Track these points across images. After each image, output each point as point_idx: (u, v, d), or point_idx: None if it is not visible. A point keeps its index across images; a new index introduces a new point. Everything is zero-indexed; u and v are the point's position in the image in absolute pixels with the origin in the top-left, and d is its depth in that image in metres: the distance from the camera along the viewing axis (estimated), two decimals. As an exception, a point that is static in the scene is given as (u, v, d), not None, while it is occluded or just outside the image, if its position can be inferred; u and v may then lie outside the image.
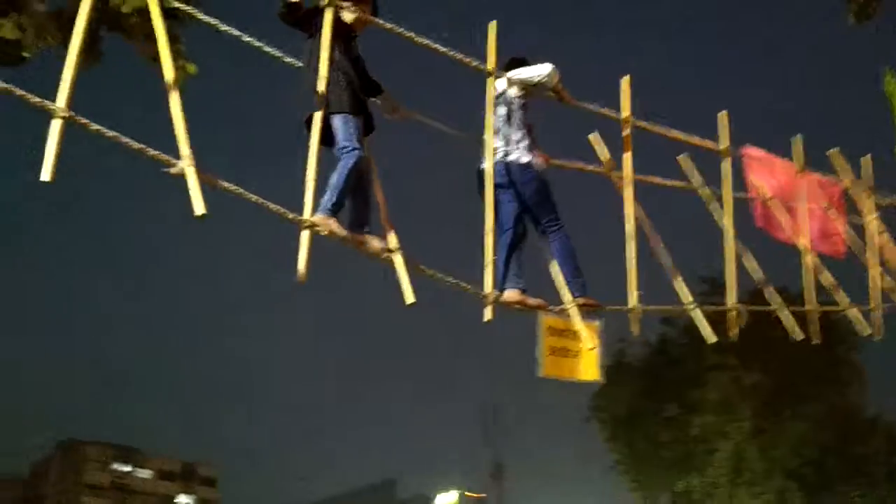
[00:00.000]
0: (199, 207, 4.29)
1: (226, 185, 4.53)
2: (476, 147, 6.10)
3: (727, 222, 7.16)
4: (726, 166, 7.26)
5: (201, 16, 5.90)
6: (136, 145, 4.25)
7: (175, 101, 4.63)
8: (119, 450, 70.21)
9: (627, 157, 6.62)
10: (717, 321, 7.07)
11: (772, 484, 23.88)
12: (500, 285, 5.78)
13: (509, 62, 6.26)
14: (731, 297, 7.09)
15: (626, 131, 6.62)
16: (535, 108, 6.30)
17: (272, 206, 4.70)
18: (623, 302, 6.31)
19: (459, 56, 5.87)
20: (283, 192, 5.15)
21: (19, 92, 3.98)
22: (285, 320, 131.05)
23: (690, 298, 6.64)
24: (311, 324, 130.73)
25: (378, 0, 5.91)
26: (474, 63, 5.96)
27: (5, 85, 4.03)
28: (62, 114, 4.03)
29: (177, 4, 6.27)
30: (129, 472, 70.34)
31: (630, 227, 6.45)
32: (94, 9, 7.59)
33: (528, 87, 6.19)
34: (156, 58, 7.83)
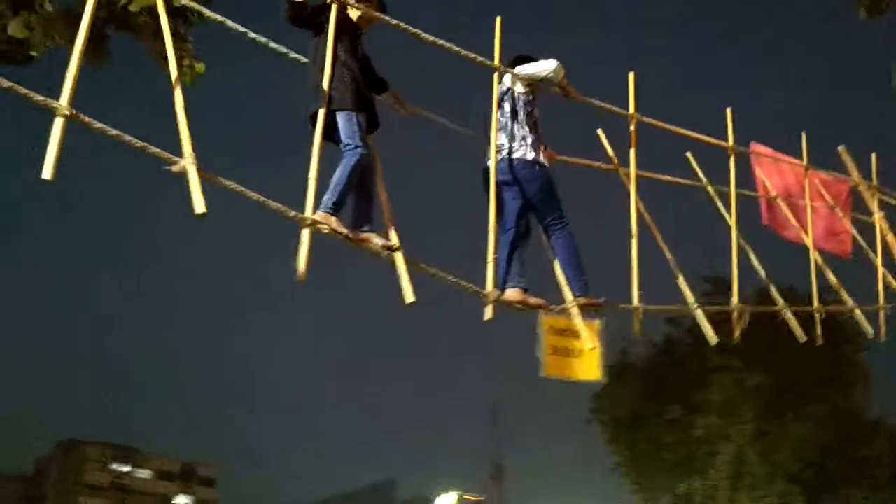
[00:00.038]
0: (199, 206, 4.27)
1: (226, 183, 4.50)
2: (481, 143, 6.08)
3: (732, 220, 7.14)
4: (732, 163, 7.24)
5: (208, 13, 5.90)
6: (138, 143, 4.23)
7: (178, 99, 4.63)
8: (118, 450, 70.24)
9: (632, 154, 6.62)
10: (721, 322, 7.05)
11: (774, 487, 23.78)
12: (501, 284, 5.75)
13: (514, 59, 6.25)
14: (735, 298, 7.06)
15: (632, 127, 6.63)
16: (540, 105, 6.30)
17: (273, 203, 4.68)
18: (626, 301, 6.30)
19: (464, 52, 5.87)
20: (286, 189, 5.16)
21: (23, 90, 3.99)
22: (286, 319, 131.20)
23: (693, 299, 6.62)
24: (312, 322, 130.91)
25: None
26: (479, 59, 5.96)
27: (9, 83, 4.04)
28: (65, 112, 4.01)
29: (186, 2, 6.29)
30: (128, 473, 70.37)
31: (633, 224, 6.44)
32: (102, 8, 7.71)
33: (533, 84, 6.18)
34: (164, 56, 7.90)
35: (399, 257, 5.24)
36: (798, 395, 24.41)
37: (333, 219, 5.12)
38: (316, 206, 5.02)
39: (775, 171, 8.17)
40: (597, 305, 5.98)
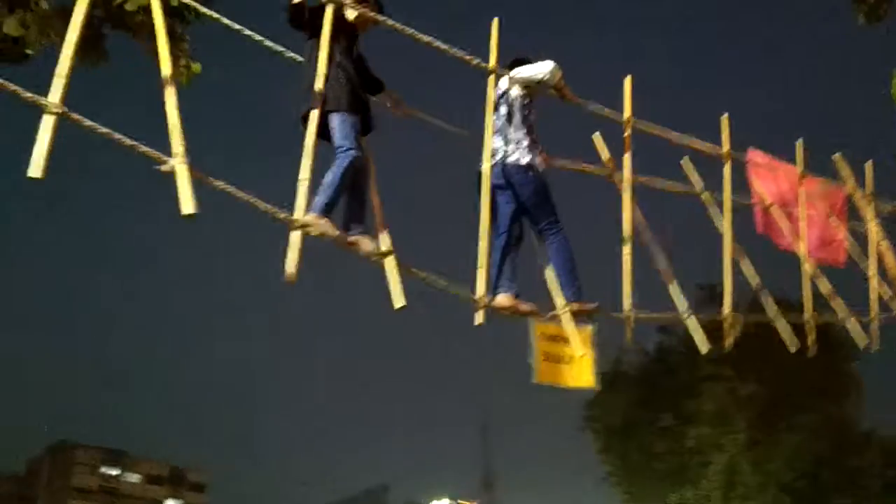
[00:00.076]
0: (187, 206, 4.22)
1: (216, 182, 4.47)
2: (477, 146, 6.03)
3: (726, 227, 7.11)
4: (727, 170, 7.22)
5: (206, 11, 5.88)
6: (128, 142, 4.20)
7: (171, 98, 4.59)
8: (108, 453, 69.99)
9: (627, 159, 6.59)
10: (714, 330, 7.02)
11: (766, 497, 23.73)
12: (492, 289, 5.72)
13: (511, 62, 6.22)
14: (727, 306, 7.03)
15: (627, 132, 6.60)
16: (537, 108, 6.27)
17: (262, 204, 4.64)
18: (618, 308, 6.27)
19: (460, 54, 5.84)
20: (286, 190, 5.13)
21: (12, 86, 3.95)
22: (282, 321, 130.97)
23: (685, 306, 6.59)
24: (308, 324, 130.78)
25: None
26: (475, 61, 5.93)
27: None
28: (55, 109, 3.98)
29: (195, 5, 6.26)
30: (116, 476, 70.12)
31: (626, 230, 6.40)
32: (99, 6, 7.69)
33: (530, 86, 6.14)
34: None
35: (390, 262, 5.20)
36: (790, 404, 24.38)
37: (324, 220, 5.08)
38: (307, 208, 4.99)
39: (771, 179, 8.15)
40: (589, 311, 5.94)
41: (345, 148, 5.32)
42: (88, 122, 4.12)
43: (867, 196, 8.31)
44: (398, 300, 5.07)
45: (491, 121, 5.96)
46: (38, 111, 4.07)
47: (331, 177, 5.24)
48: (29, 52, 7.60)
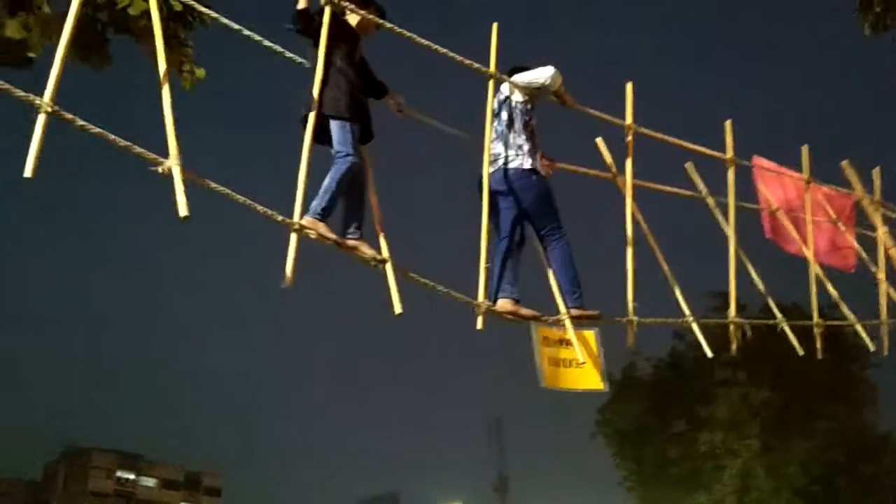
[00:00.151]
0: (182, 209, 4.18)
1: (213, 185, 4.44)
2: (478, 150, 5.99)
3: (730, 231, 7.06)
4: (731, 175, 7.16)
5: (209, 12, 5.87)
6: (122, 143, 4.17)
7: (166, 100, 4.57)
8: (124, 457, 69.98)
9: (629, 164, 6.55)
10: (726, 336, 6.98)
11: (779, 502, 23.61)
12: (493, 294, 5.69)
13: (511, 69, 6.20)
14: (732, 311, 6.97)
15: (629, 137, 6.56)
16: (539, 113, 6.24)
17: (259, 207, 4.61)
18: (624, 313, 6.22)
19: (459, 58, 5.80)
20: (286, 193, 5.11)
21: (4, 85, 3.94)
22: (282, 325, 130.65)
23: (689, 311, 6.53)
24: (309, 328, 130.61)
25: (382, 4, 5.89)
26: (475, 66, 5.90)
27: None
28: (47, 108, 3.96)
29: (191, 2, 6.26)
30: (132, 480, 70.19)
31: (629, 235, 6.36)
32: (103, 11, 7.69)
33: (531, 92, 6.12)
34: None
35: (388, 268, 5.18)
36: (805, 410, 24.27)
37: (321, 224, 5.07)
38: (304, 211, 4.97)
39: (777, 184, 8.10)
40: (591, 317, 5.90)
41: (343, 153, 5.31)
42: (81, 122, 4.10)
43: (876, 202, 8.23)
44: (397, 307, 5.05)
45: (491, 126, 5.94)
46: (33, 114, 4.05)
47: (328, 182, 5.23)
48: (31, 55, 7.62)
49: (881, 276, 8.08)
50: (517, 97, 6.12)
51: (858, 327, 7.88)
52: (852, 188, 8.33)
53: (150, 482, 71.31)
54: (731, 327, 6.91)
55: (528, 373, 5.73)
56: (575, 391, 5.90)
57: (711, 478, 24.34)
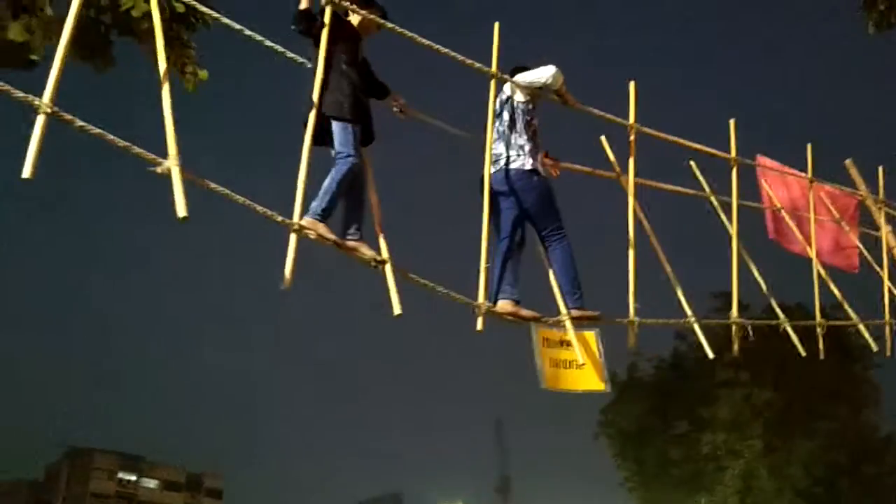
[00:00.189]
0: (181, 209, 4.16)
1: (212, 185, 4.43)
2: (480, 150, 5.97)
3: (733, 231, 7.04)
4: (734, 175, 7.14)
5: (212, 13, 5.86)
6: (121, 143, 4.16)
7: (166, 99, 4.55)
8: (126, 458, 69.93)
9: (632, 163, 6.53)
10: (728, 336, 6.96)
11: (782, 503, 23.58)
12: (493, 295, 5.67)
13: (513, 70, 6.18)
14: (734, 311, 6.94)
15: (632, 137, 6.54)
16: (541, 113, 6.22)
17: (259, 208, 4.59)
18: (626, 313, 6.20)
19: (461, 58, 5.79)
20: (282, 194, 5.10)
21: (3, 86, 3.94)
22: (282, 326, 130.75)
23: (691, 312, 6.51)
24: (308, 328, 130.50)
25: (384, 4, 5.88)
26: (476, 66, 5.88)
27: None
28: (46, 109, 3.95)
29: (194, 3, 6.25)
30: (134, 482, 70.13)
31: (631, 235, 6.34)
32: (106, 13, 7.67)
33: (533, 92, 6.10)
34: (166, 61, 7.86)
35: (388, 270, 5.16)
36: (807, 410, 24.23)
37: (321, 225, 5.05)
38: (304, 212, 4.96)
39: (781, 184, 8.08)
40: (591, 318, 5.88)
41: (344, 154, 5.30)
42: (80, 123, 4.09)
43: (880, 201, 8.21)
44: (396, 308, 5.03)
45: (492, 126, 5.92)
46: (33, 114, 4.05)
47: (329, 182, 5.21)
48: (34, 57, 7.61)
49: (885, 275, 8.05)
50: (519, 97, 6.11)
51: (861, 327, 7.86)
52: (856, 187, 8.30)
53: (151, 483, 71.26)
54: (734, 328, 6.88)
55: (529, 373, 5.71)
56: (576, 392, 5.88)
57: (713, 479, 24.31)
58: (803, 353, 7.15)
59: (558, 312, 5.83)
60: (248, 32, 5.45)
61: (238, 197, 4.51)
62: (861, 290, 8.69)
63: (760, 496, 23.73)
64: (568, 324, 5.72)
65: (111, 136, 4.15)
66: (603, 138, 6.96)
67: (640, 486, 26.65)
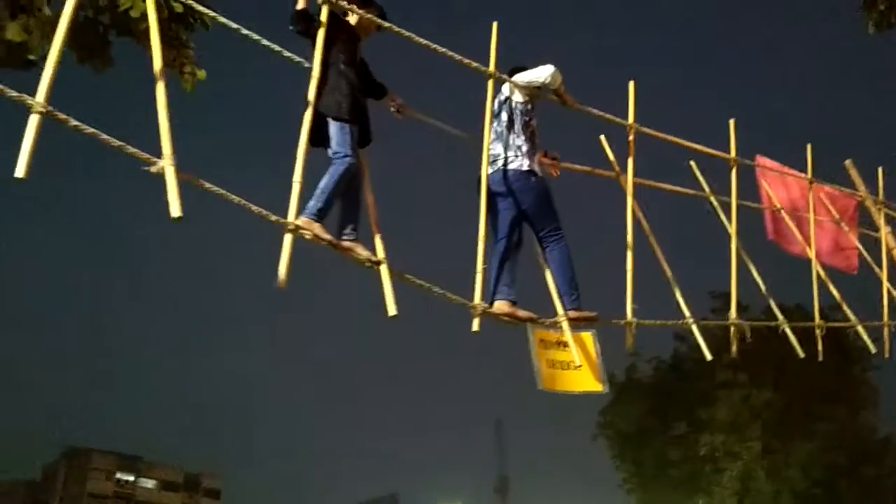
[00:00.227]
0: (175, 209, 4.14)
1: (207, 185, 4.41)
2: (479, 150, 5.94)
3: (733, 231, 7.02)
4: (734, 175, 7.13)
5: (210, 13, 5.84)
6: (115, 142, 4.13)
7: (161, 98, 4.53)
8: (123, 459, 69.84)
9: (631, 163, 6.51)
10: (727, 338, 6.94)
11: (780, 505, 23.59)
12: (490, 295, 5.64)
13: (511, 70, 6.16)
14: (733, 312, 6.92)
15: (631, 137, 6.53)
16: (540, 114, 6.20)
17: (254, 207, 4.56)
18: (624, 314, 6.17)
19: (458, 57, 5.76)
20: (281, 194, 5.08)
21: (-2, 85, 3.93)
22: (281, 326, 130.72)
23: (689, 313, 6.49)
24: (307, 328, 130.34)
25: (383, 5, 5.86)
26: (474, 65, 5.85)
27: (-17, 79, 3.97)
28: (40, 109, 3.93)
29: (192, 3, 6.23)
30: (132, 482, 70.05)
31: (630, 235, 6.32)
32: (105, 13, 7.65)
33: (532, 92, 6.08)
34: (167, 63, 7.84)
35: (384, 270, 5.14)
36: (806, 412, 24.21)
37: (317, 225, 5.02)
38: (300, 211, 4.93)
39: (781, 184, 8.06)
40: (588, 319, 5.86)
41: (342, 154, 5.28)
42: (74, 122, 4.07)
43: (879, 202, 8.19)
44: (391, 308, 5.00)
45: (490, 126, 5.89)
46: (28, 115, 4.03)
47: (325, 182, 5.19)
48: (32, 57, 7.59)
49: (884, 276, 8.03)
50: (517, 98, 6.08)
51: (860, 329, 7.84)
52: (856, 188, 8.29)
53: (149, 484, 71.20)
54: (732, 329, 6.86)
55: (528, 373, 5.70)
56: (573, 393, 5.86)
57: (711, 480, 24.30)
58: (802, 355, 7.13)
59: (556, 313, 5.81)
60: (245, 32, 5.42)
61: (233, 197, 4.49)
62: (860, 292, 8.69)
63: (759, 498, 23.71)
64: (565, 325, 5.70)
65: (105, 136, 4.13)
66: (602, 138, 6.95)
67: (638, 487, 26.64)
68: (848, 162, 8.36)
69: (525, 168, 5.89)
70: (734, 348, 6.90)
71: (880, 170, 8.44)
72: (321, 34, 5.31)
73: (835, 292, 7.78)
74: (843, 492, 23.97)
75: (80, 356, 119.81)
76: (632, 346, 6.21)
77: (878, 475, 24.43)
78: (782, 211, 7.92)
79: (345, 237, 5.29)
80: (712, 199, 7.43)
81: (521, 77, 6.07)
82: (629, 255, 6.25)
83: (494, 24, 5.92)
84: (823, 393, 23.90)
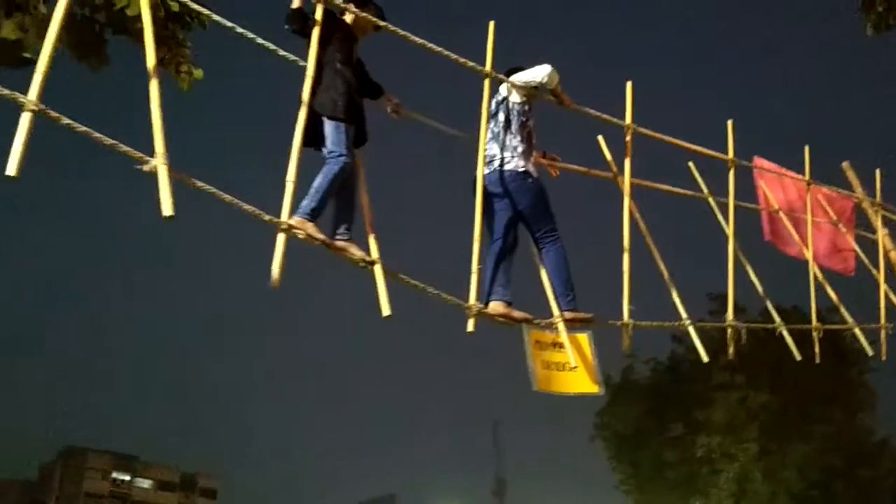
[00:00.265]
0: (167, 208, 4.11)
1: (199, 184, 4.38)
2: (475, 150, 5.90)
3: (730, 232, 7.00)
4: (731, 176, 7.11)
5: (207, 12, 5.82)
6: (107, 141, 4.11)
7: (154, 96, 4.50)
8: (120, 458, 69.73)
9: (628, 164, 6.49)
10: (724, 339, 6.93)
11: (777, 507, 23.57)
12: (485, 296, 5.61)
13: (508, 71, 6.13)
14: (730, 314, 6.90)
15: (628, 137, 6.50)
16: (537, 114, 6.17)
17: (246, 206, 4.53)
18: (621, 315, 6.15)
19: (454, 56, 5.72)
20: (278, 193, 5.04)
21: (-12, 83, 3.90)
22: (279, 325, 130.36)
23: (686, 314, 6.47)
24: (305, 328, 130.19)
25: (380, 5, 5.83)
26: (470, 64, 5.82)
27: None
28: (32, 107, 3.90)
29: (188, 2, 6.21)
30: (128, 482, 69.94)
31: (626, 236, 6.29)
32: (101, 11, 7.63)
33: (529, 92, 6.05)
34: (162, 60, 7.81)
35: (378, 270, 5.11)
36: (803, 414, 24.22)
37: (310, 224, 4.98)
38: (293, 211, 4.90)
39: (778, 186, 8.05)
40: (584, 320, 5.83)
41: (337, 153, 5.25)
42: (67, 120, 4.04)
43: (877, 204, 8.18)
44: (385, 309, 4.98)
45: (487, 126, 5.86)
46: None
47: (320, 181, 5.15)
48: (27, 55, 7.56)
49: (881, 279, 8.02)
50: (515, 98, 6.06)
51: (857, 331, 7.82)
52: (853, 190, 8.27)
53: (145, 483, 71.09)
54: (729, 331, 6.84)
55: (524, 374, 5.68)
56: (568, 395, 5.83)
57: (708, 482, 24.30)
58: (799, 357, 7.11)
59: (551, 314, 5.78)
60: (240, 30, 5.40)
61: (225, 196, 4.46)
62: (857, 294, 8.67)
63: (755, 499, 23.71)
64: (560, 326, 5.68)
65: (97, 135, 4.11)
66: (600, 138, 6.93)
67: (635, 488, 26.63)
68: (845, 164, 8.35)
69: (521, 169, 5.87)
70: (731, 350, 6.88)
71: (878, 172, 8.43)
72: (315, 32, 5.29)
73: (832, 294, 7.77)
74: (839, 494, 23.96)
75: (77, 356, 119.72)
76: (628, 348, 6.19)
77: (875, 477, 24.43)
78: (780, 212, 7.90)
79: (338, 237, 5.26)
80: (710, 199, 7.42)
81: (518, 77, 6.05)
82: (626, 256, 6.23)
83: (491, 24, 5.90)
84: (820, 395, 23.91)
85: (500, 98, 6.09)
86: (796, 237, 7.87)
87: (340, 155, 5.23)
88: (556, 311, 5.77)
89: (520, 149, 5.91)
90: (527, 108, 6.08)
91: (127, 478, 70.34)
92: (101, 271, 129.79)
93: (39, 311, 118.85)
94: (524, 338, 5.63)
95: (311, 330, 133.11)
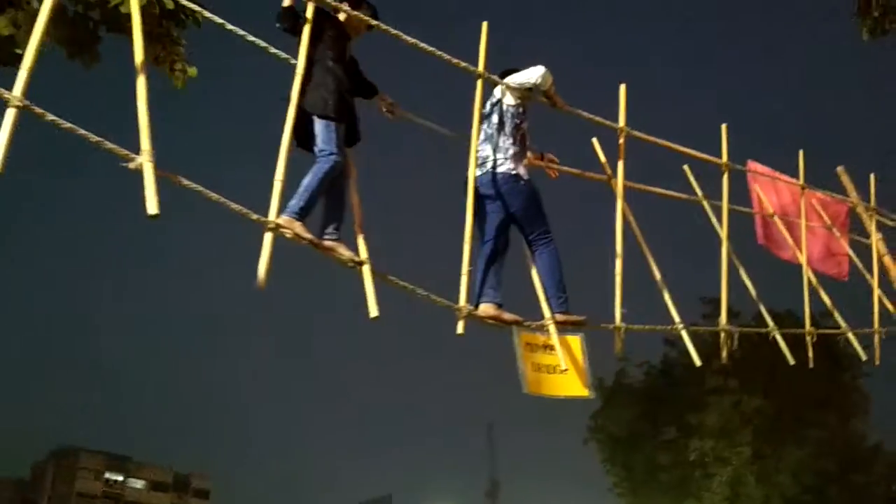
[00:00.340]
0: (151, 207, 4.07)
1: (185, 182, 4.34)
2: (467, 151, 5.88)
3: (724, 236, 6.99)
4: (725, 180, 7.09)
5: (195, 7, 5.79)
6: (93, 138, 4.07)
7: (141, 93, 4.46)
8: (112, 459, 69.63)
9: (620, 168, 6.46)
10: (717, 343, 6.91)
11: (770, 511, 23.58)
12: (475, 298, 5.58)
13: (503, 73, 6.10)
14: (723, 318, 6.88)
15: (622, 140, 6.47)
16: (530, 117, 6.14)
17: (233, 205, 4.49)
18: (613, 319, 6.12)
19: (447, 57, 5.69)
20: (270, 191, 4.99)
21: (-27, 80, 3.86)
22: (277, 325, 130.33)
23: (679, 318, 6.45)
24: (302, 328, 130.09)
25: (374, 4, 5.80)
26: (463, 65, 5.78)
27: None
28: (17, 103, 3.86)
29: (184, 2, 6.18)
30: (121, 482, 69.84)
31: (619, 239, 6.26)
32: (95, 9, 7.60)
33: (523, 94, 6.02)
34: (156, 58, 7.76)
35: (366, 271, 5.07)
36: (797, 418, 24.24)
37: (298, 224, 4.93)
38: (281, 210, 4.86)
39: (772, 190, 8.04)
40: (576, 323, 5.80)
41: (327, 152, 5.20)
42: (52, 117, 4.01)
43: (871, 209, 8.17)
44: (373, 310, 4.94)
45: (479, 127, 5.83)
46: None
47: (309, 180, 5.11)
48: (20, 51, 7.53)
49: (875, 283, 8.01)
50: (509, 100, 6.02)
51: (851, 336, 7.81)
52: (847, 194, 8.27)
53: (138, 484, 71.01)
54: (723, 335, 6.82)
55: (516, 376, 5.65)
56: (558, 398, 5.80)
57: (701, 485, 24.30)
58: (792, 361, 7.09)
59: (543, 317, 5.74)
60: (230, 27, 5.36)
61: (212, 194, 4.42)
62: (851, 298, 8.66)
63: (748, 503, 23.72)
64: (551, 328, 5.64)
65: (83, 131, 4.07)
66: (594, 140, 6.90)
67: (628, 491, 26.65)
68: (840, 168, 8.35)
69: (512, 171, 5.83)
70: (724, 354, 6.86)
71: (872, 176, 8.43)
72: (306, 30, 5.26)
73: (826, 299, 7.76)
74: (832, 498, 23.99)
75: (69, 355, 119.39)
76: (621, 351, 6.15)
77: (868, 482, 24.47)
78: (774, 216, 7.88)
79: (326, 237, 5.21)
80: (704, 203, 7.40)
81: (512, 79, 6.01)
82: (619, 259, 6.20)
83: (484, 24, 5.86)
84: (814, 399, 23.93)
85: (494, 100, 6.06)
86: (790, 241, 7.86)
87: (331, 154, 5.19)
88: (547, 313, 5.74)
89: (511, 151, 5.87)
90: (521, 110, 6.05)
91: (120, 478, 70.25)
92: (94, 270, 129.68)
93: (30, 311, 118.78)
94: (514, 340, 5.60)
95: (308, 330, 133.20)
